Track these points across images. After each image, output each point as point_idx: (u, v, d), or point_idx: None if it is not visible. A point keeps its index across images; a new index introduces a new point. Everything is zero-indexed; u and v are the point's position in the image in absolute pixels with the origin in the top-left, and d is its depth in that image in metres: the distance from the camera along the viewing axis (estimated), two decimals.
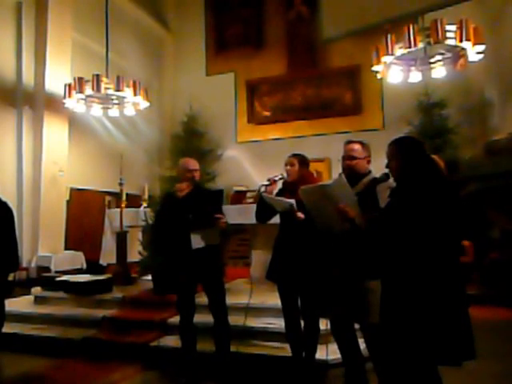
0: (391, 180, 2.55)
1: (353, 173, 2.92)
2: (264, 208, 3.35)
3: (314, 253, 3.21)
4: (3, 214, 4.19)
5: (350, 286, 2.77)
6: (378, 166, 3.05)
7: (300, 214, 3.09)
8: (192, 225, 3.43)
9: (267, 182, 3.34)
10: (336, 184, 2.66)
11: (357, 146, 2.97)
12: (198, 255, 3.42)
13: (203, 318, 3.63)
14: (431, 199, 2.20)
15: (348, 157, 2.96)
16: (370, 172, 2.97)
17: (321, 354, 3.48)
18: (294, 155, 3.41)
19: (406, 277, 2.20)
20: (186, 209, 3.45)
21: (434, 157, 2.45)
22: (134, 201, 7.55)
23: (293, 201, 3.09)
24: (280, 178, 3.37)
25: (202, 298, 3.60)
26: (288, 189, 3.31)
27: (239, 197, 8.65)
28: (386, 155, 2.47)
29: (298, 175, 3.33)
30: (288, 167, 3.36)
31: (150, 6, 10.86)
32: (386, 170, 2.55)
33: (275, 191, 3.40)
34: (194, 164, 3.60)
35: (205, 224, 3.40)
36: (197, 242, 3.42)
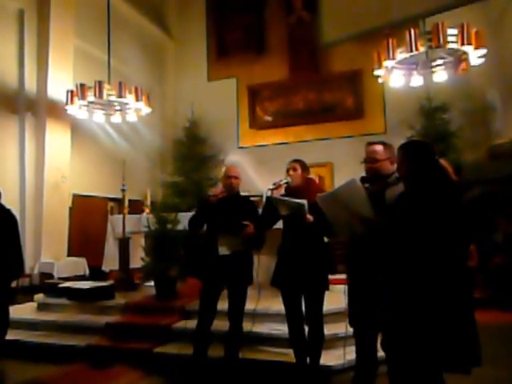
0: (401, 184, 2.52)
1: (376, 175, 2.84)
2: (269, 213, 3.35)
3: (316, 258, 3.20)
4: (7, 220, 4.20)
5: (376, 294, 2.71)
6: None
7: (309, 216, 3.08)
8: (219, 230, 3.46)
9: (273, 186, 3.35)
10: (347, 187, 2.63)
11: (378, 148, 2.88)
12: (226, 261, 3.43)
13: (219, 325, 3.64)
14: (440, 204, 2.18)
15: (370, 159, 2.88)
16: (394, 173, 2.83)
17: (325, 359, 3.46)
18: (296, 160, 3.42)
19: (413, 281, 2.18)
20: (217, 214, 3.48)
21: (443, 161, 2.43)
22: (136, 207, 7.54)
23: (305, 201, 3.08)
24: (285, 183, 3.37)
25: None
26: (292, 194, 3.30)
27: None
28: (396, 159, 2.45)
29: (302, 180, 3.34)
30: (291, 172, 3.36)
31: (151, 13, 10.92)
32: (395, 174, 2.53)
33: (279, 195, 3.40)
34: (233, 170, 3.66)
35: (231, 230, 3.41)
36: (223, 248, 3.43)
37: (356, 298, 2.92)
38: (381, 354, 2.85)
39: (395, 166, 2.81)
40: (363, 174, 2.94)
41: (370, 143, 2.96)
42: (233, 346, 3.54)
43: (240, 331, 3.54)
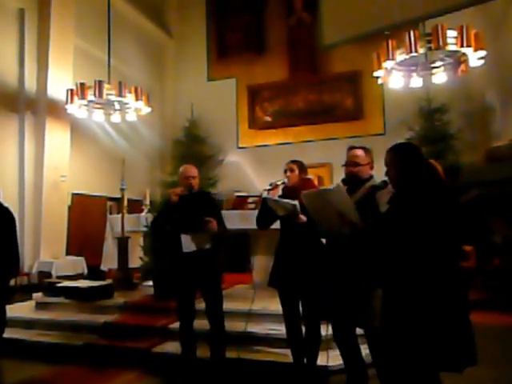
0: (390, 187, 2.55)
1: (355, 179, 2.92)
2: (266, 213, 3.36)
3: (314, 258, 3.21)
4: (5, 219, 4.20)
5: (354, 292, 2.76)
6: (380, 171, 3.06)
7: (302, 217, 3.09)
8: (182, 228, 3.46)
9: (269, 187, 3.35)
10: (335, 191, 2.66)
11: (359, 152, 2.96)
12: (193, 259, 3.43)
13: (204, 324, 3.62)
14: (430, 205, 2.20)
15: (351, 163, 2.95)
16: (371, 177, 2.96)
17: (322, 360, 3.46)
18: (294, 161, 3.43)
19: (406, 282, 2.19)
20: (178, 212, 3.46)
21: (433, 162, 2.45)
22: (135, 206, 7.55)
23: (296, 202, 3.10)
24: (282, 183, 3.38)
25: (202, 304, 3.59)
26: (288, 194, 3.31)
27: (240, 202, 8.64)
28: (385, 163, 2.47)
29: (299, 181, 3.35)
30: (288, 173, 3.37)
31: (151, 13, 10.93)
32: (386, 177, 2.55)
33: (276, 196, 3.41)
34: (191, 171, 3.63)
35: (194, 227, 3.41)
36: (187, 245, 3.43)
37: (336, 298, 2.95)
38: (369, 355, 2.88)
39: (373, 170, 2.96)
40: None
41: (352, 147, 3.02)
42: (217, 345, 3.51)
43: (222, 330, 3.51)
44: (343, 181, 2.95)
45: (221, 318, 3.52)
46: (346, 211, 2.56)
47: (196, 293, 3.55)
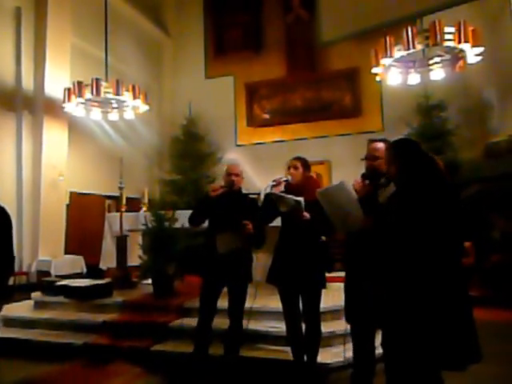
0: (392, 185, 2.53)
1: (376, 172, 2.84)
2: (268, 209, 3.34)
3: (314, 255, 3.20)
4: (1, 219, 4.18)
5: (374, 290, 2.71)
6: None
7: (306, 214, 3.08)
8: (218, 227, 3.46)
9: (273, 183, 3.33)
10: (336, 189, 2.66)
11: (380, 145, 2.88)
12: (225, 260, 3.42)
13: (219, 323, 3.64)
14: (432, 201, 2.19)
15: (370, 156, 2.89)
16: None
17: (322, 357, 3.46)
18: (297, 158, 3.39)
19: (408, 280, 2.19)
20: (217, 209, 3.47)
21: (435, 157, 2.44)
22: (133, 204, 7.54)
23: (301, 198, 3.08)
24: (284, 180, 3.35)
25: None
26: (291, 191, 3.29)
27: None
28: (384, 160, 2.46)
29: (302, 178, 3.32)
30: (292, 170, 3.33)
31: (149, 11, 10.89)
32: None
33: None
34: (234, 168, 3.65)
35: (230, 228, 3.39)
36: (222, 246, 3.42)
37: (353, 295, 2.93)
38: (379, 351, 2.87)
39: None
40: (361, 172, 2.95)
41: (372, 140, 2.96)
42: (233, 343, 3.53)
43: (240, 329, 3.54)
44: (363, 175, 2.89)
45: (240, 317, 3.53)
46: (350, 208, 2.54)
47: (221, 292, 3.55)
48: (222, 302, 3.56)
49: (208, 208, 3.54)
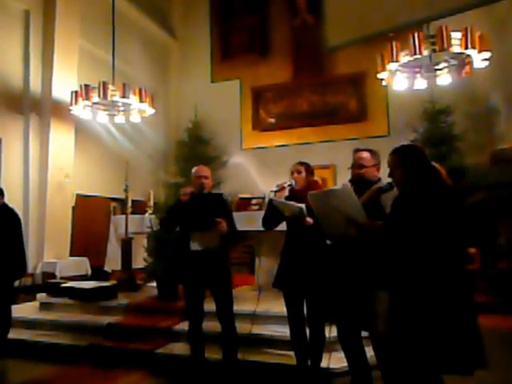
0: (396, 189, 2.54)
1: (362, 181, 2.92)
2: (272, 214, 3.36)
3: (320, 260, 3.20)
4: (10, 220, 4.22)
5: (360, 294, 2.75)
6: (384, 173, 3.06)
7: (309, 219, 3.09)
8: (191, 227, 3.46)
9: (276, 188, 3.35)
10: (341, 191, 2.66)
11: (365, 155, 2.98)
12: (201, 258, 3.42)
13: (213, 326, 3.62)
14: (434, 208, 2.19)
15: (356, 165, 2.97)
16: (379, 180, 2.96)
17: (326, 362, 3.45)
18: (301, 163, 3.42)
19: (412, 285, 2.18)
20: (188, 212, 3.46)
21: (436, 165, 2.45)
22: (139, 207, 7.56)
23: (303, 205, 3.10)
24: (288, 185, 3.37)
25: (211, 305, 3.57)
26: (295, 196, 3.31)
27: (244, 203, 8.65)
28: (388, 164, 2.47)
29: (306, 183, 3.34)
30: (295, 175, 3.36)
31: (156, 14, 10.95)
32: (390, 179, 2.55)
33: (283, 198, 3.41)
34: (203, 170, 3.64)
35: (203, 226, 3.40)
36: (195, 243, 3.43)
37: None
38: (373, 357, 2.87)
39: (380, 172, 2.98)
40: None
41: (357, 150, 3.05)
42: (229, 347, 3.51)
43: (233, 331, 3.50)
44: (350, 182, 2.95)
45: (231, 318, 3.50)
46: (352, 212, 2.55)
47: (205, 294, 3.54)
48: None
49: (180, 212, 3.52)
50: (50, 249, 7.76)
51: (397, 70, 6.16)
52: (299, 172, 3.36)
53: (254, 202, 8.65)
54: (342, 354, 3.26)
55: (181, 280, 3.65)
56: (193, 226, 3.47)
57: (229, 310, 3.51)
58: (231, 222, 3.54)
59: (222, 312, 3.49)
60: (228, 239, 3.51)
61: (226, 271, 3.56)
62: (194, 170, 3.69)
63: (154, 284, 5.60)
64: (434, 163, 2.45)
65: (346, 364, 3.54)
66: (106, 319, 4.88)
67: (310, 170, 3.41)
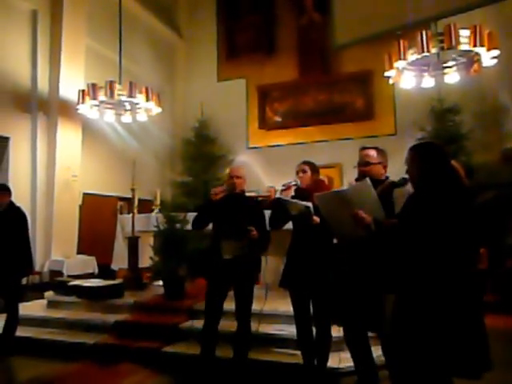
0: (409, 185, 2.51)
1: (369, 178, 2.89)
2: (279, 213, 3.35)
3: (326, 259, 3.19)
4: (17, 218, 4.24)
5: (367, 295, 2.73)
6: (390, 172, 3.04)
7: (316, 218, 3.08)
8: (223, 233, 3.46)
9: (283, 187, 3.35)
10: (357, 189, 2.62)
11: (371, 152, 2.97)
12: (231, 264, 3.41)
13: (226, 326, 3.64)
14: (450, 208, 2.16)
15: (362, 163, 2.96)
16: (387, 178, 2.94)
17: (333, 361, 3.44)
18: (306, 162, 3.42)
19: (421, 286, 2.16)
20: (221, 213, 3.47)
21: (455, 164, 2.41)
22: (145, 206, 7.58)
23: (310, 204, 3.08)
24: (294, 184, 3.37)
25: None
26: (301, 195, 3.30)
27: None
28: (406, 161, 2.42)
29: (311, 182, 3.34)
30: (301, 174, 3.37)
31: (162, 13, 10.97)
32: (404, 175, 2.51)
33: (289, 197, 3.40)
34: (236, 170, 3.65)
35: (234, 235, 3.39)
36: (227, 251, 3.41)
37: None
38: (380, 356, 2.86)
39: (387, 171, 2.97)
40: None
41: (363, 148, 3.04)
42: (242, 346, 3.53)
43: (248, 331, 3.53)
44: (356, 180, 2.95)
45: (249, 320, 3.52)
46: (370, 208, 2.50)
47: (227, 294, 3.55)
48: (230, 304, 3.55)
49: (211, 212, 3.53)
50: (57, 247, 7.80)
51: (404, 69, 6.11)
52: (304, 171, 3.36)
53: (259, 200, 8.64)
54: (348, 354, 3.25)
55: (206, 278, 3.65)
56: (225, 231, 3.46)
57: (248, 310, 3.53)
58: (264, 226, 3.50)
59: (241, 312, 3.50)
60: (260, 244, 3.47)
61: (253, 274, 3.56)
62: (228, 170, 3.71)
63: (161, 282, 5.62)
64: (453, 162, 2.41)
65: (352, 364, 3.54)
66: (112, 317, 4.90)
67: (314, 169, 3.41)
